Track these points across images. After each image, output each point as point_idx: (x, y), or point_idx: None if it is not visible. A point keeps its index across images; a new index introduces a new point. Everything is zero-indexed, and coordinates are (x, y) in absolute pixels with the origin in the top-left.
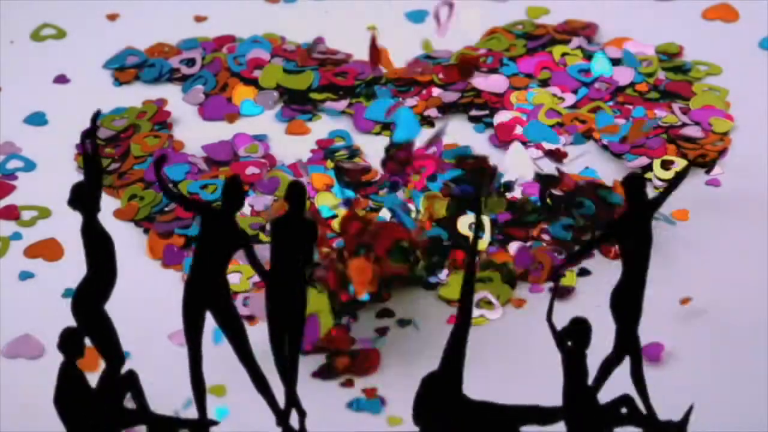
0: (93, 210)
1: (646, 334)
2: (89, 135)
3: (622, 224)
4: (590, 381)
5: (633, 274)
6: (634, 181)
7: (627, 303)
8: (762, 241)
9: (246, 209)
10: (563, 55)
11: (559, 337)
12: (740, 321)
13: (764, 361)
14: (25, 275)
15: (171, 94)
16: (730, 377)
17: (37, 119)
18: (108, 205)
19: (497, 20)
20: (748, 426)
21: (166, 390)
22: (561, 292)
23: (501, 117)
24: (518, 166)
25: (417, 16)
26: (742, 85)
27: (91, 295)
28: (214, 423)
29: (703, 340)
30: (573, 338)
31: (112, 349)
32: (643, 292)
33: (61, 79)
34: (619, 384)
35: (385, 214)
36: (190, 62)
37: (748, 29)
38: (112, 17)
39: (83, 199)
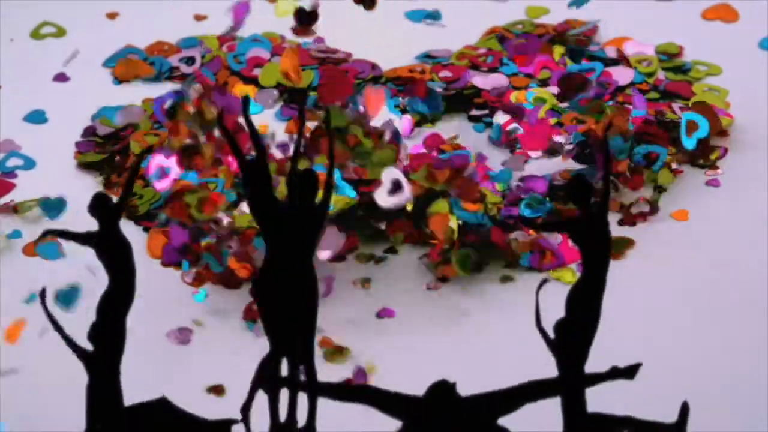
0: (115, 219)
1: (644, 331)
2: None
3: (575, 224)
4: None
5: (590, 277)
6: (578, 186)
7: (583, 307)
8: (762, 241)
9: None
10: (563, 55)
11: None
12: (740, 321)
13: (765, 361)
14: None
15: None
16: (729, 377)
17: (36, 117)
18: None
19: (497, 20)
20: (748, 426)
21: (164, 389)
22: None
23: (501, 117)
24: None
25: (417, 16)
26: (742, 85)
27: (116, 307)
28: (235, 422)
29: (703, 339)
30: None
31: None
32: (601, 297)
33: (61, 78)
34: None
35: None
36: (190, 61)
37: (748, 29)
38: (112, 16)
39: (105, 209)
